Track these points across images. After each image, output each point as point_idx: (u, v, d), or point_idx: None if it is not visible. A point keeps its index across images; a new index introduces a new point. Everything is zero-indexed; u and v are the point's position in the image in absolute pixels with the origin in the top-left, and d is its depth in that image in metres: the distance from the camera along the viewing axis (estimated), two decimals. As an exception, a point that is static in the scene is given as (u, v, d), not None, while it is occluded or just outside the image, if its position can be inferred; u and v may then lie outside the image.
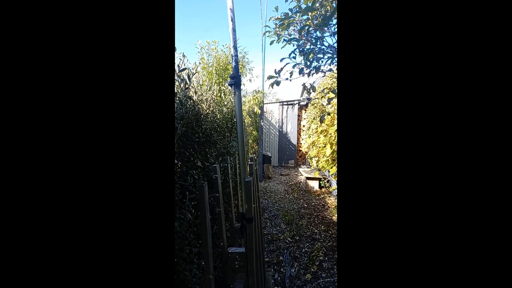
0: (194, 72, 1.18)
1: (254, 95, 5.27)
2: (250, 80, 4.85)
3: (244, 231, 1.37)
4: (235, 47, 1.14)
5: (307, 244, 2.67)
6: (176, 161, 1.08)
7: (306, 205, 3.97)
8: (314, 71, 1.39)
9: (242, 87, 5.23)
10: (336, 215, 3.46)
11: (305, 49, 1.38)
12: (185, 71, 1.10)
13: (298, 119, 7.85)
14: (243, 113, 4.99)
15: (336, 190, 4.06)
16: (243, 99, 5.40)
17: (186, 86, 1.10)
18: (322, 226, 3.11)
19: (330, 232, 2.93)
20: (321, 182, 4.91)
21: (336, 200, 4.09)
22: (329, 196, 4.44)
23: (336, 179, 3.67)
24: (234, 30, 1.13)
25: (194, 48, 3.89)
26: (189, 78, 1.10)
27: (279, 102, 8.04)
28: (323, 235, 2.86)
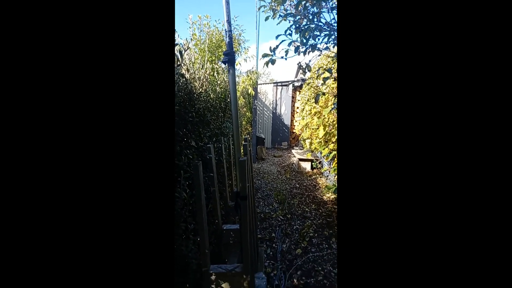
0: (186, 48, 1.13)
1: (249, 75, 5.15)
2: (245, 59, 4.71)
3: (238, 208, 1.41)
4: (229, 22, 1.09)
5: (298, 221, 2.79)
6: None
7: (298, 186, 4.08)
8: (310, 49, 1.35)
9: (237, 67, 5.08)
10: (326, 194, 3.58)
11: (301, 26, 1.33)
12: (176, 47, 1.05)
13: (292, 101, 7.79)
14: (237, 94, 4.90)
15: (327, 171, 4.16)
16: (237, 79, 5.26)
17: (178, 63, 1.05)
18: (313, 205, 3.23)
19: (320, 210, 3.06)
20: (313, 163, 5.01)
21: (327, 180, 4.21)
22: (320, 177, 4.56)
23: (328, 160, 3.76)
24: (227, 2, 1.07)
25: (185, 24, 3.69)
26: (181, 55, 1.05)
27: (273, 83, 7.90)
28: (313, 213, 2.98)
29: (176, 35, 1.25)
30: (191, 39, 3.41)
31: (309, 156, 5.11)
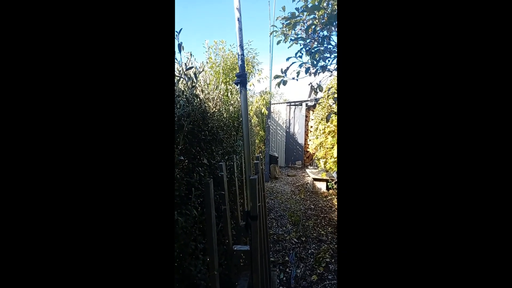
0: (201, 70, 1.20)
1: (262, 96, 5.28)
2: (258, 81, 4.87)
3: (249, 229, 1.38)
4: (241, 46, 1.16)
5: (313, 245, 2.65)
6: (182, 158, 1.10)
7: (313, 206, 3.94)
8: (320, 70, 1.39)
9: (251, 87, 5.26)
10: (343, 216, 3.41)
11: (311, 49, 1.38)
12: (192, 70, 1.12)
13: (306, 120, 7.80)
14: (250, 113, 5.01)
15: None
16: (250, 99, 5.42)
17: (193, 84, 1.12)
18: (329, 228, 3.07)
19: (337, 234, 2.90)
20: (328, 183, 4.85)
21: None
22: (336, 198, 4.38)
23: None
24: (240, 29, 1.15)
25: (202, 48, 3.93)
26: (196, 77, 1.12)
27: (287, 102, 8.01)
28: (329, 237, 2.82)
29: (192, 59, 1.34)
30: (207, 62, 3.62)
31: (324, 176, 4.97)
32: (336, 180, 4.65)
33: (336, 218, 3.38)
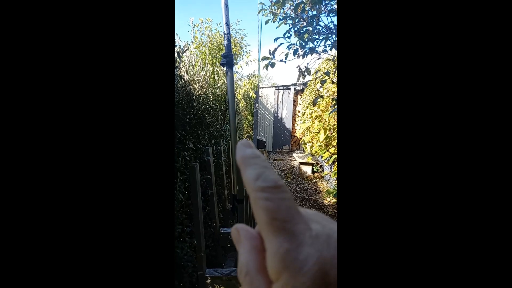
0: (185, 49, 1.13)
1: (250, 79, 5.16)
2: (247, 63, 4.73)
3: (235, 211, 1.40)
4: (227, 24, 1.10)
5: (298, 226, 2.76)
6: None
7: (298, 189, 4.06)
8: (309, 52, 1.36)
9: (238, 70, 5.11)
10: (327, 198, 3.55)
11: (300, 29, 1.34)
12: (175, 48, 1.06)
13: (294, 105, 7.80)
14: (238, 97, 4.92)
15: (328, 175, 4.13)
16: (238, 82, 5.29)
17: (176, 64, 1.06)
18: (313, 209, 3.19)
19: (320, 214, 3.03)
20: (314, 167, 4.98)
21: (327, 184, 4.18)
22: (321, 181, 4.53)
23: (328, 164, 3.73)
24: (226, 5, 1.08)
25: (187, 26, 3.73)
26: (180, 56, 1.06)
27: (275, 86, 7.92)
28: (314, 218, 2.95)
29: (176, 37, 1.26)
30: (192, 42, 3.44)
31: (310, 159, 5.09)
32: (321, 164, 4.78)
33: (320, 200, 3.51)
